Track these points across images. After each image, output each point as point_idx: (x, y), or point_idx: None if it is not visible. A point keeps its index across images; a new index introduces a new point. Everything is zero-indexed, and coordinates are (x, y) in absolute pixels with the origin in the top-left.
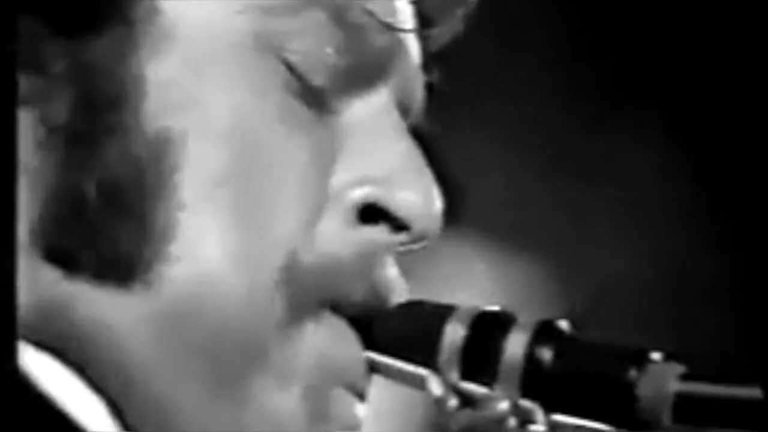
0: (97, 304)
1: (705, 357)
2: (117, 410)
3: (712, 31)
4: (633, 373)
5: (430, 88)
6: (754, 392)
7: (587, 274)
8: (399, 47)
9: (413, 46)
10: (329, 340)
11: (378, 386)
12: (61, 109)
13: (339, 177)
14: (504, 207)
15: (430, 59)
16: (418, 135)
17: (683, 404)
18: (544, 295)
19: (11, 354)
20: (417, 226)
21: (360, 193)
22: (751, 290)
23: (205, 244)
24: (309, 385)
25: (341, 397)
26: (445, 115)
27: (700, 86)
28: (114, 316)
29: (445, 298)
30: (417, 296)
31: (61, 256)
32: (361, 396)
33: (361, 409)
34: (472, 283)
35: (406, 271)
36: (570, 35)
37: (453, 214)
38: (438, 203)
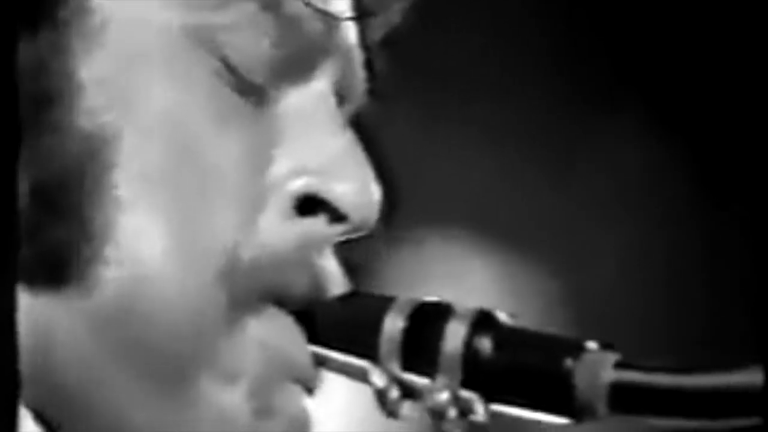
0: (30, 310)
1: (706, 356)
2: (50, 425)
3: (706, 27)
4: (569, 362)
5: (373, 74)
6: (685, 380)
7: (586, 273)
8: (335, 35)
9: (351, 34)
10: (273, 333)
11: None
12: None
13: (277, 168)
14: (501, 207)
15: (374, 48)
16: (359, 124)
17: (618, 393)
18: (543, 294)
19: None
20: (355, 216)
21: (298, 185)
22: (751, 288)
23: (142, 244)
24: (255, 381)
25: (288, 390)
26: (437, 114)
27: (698, 84)
28: (49, 321)
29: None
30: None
31: None
32: (309, 390)
33: (309, 403)
34: (471, 283)
35: (402, 272)
36: (563, 30)
37: (450, 213)
38: (376, 193)
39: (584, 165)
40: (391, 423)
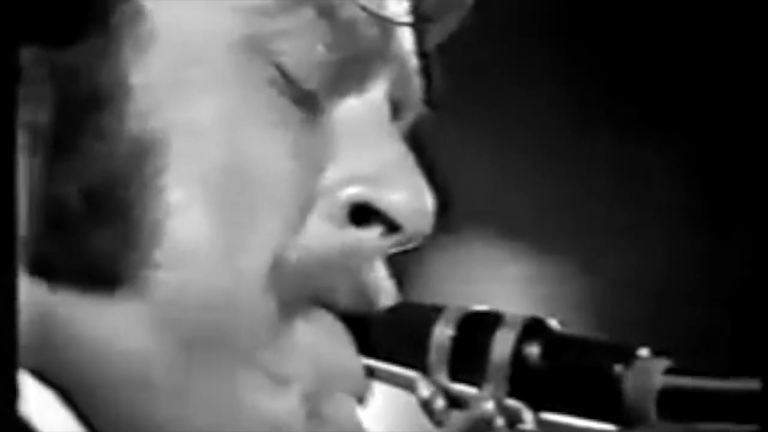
0: (81, 315)
1: (709, 357)
2: (89, 422)
3: (712, 42)
4: (619, 368)
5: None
6: (741, 385)
7: (600, 272)
8: (392, 41)
9: (408, 41)
10: (322, 338)
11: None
12: (43, 115)
13: (329, 176)
14: (530, 214)
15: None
16: (414, 133)
17: (669, 399)
18: (567, 296)
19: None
20: (409, 226)
21: (350, 193)
22: (754, 291)
23: (192, 248)
24: (306, 386)
25: (339, 400)
26: (449, 118)
27: (700, 84)
28: (99, 326)
29: (469, 302)
30: (443, 298)
31: (44, 267)
32: (360, 399)
33: (360, 413)
34: (501, 288)
35: (428, 273)
36: (567, 38)
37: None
38: (430, 203)
39: (598, 170)
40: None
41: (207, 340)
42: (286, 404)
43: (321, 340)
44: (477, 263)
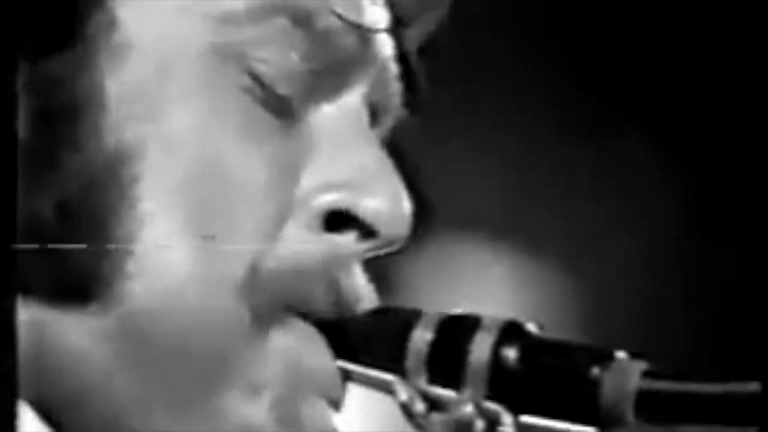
0: (52, 327)
1: (693, 360)
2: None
3: (691, 35)
4: (596, 371)
5: (413, 85)
6: (719, 388)
7: (588, 275)
8: (369, 48)
9: (387, 46)
10: (297, 345)
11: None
12: (19, 128)
13: (305, 183)
14: (520, 217)
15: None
16: (393, 139)
17: (646, 401)
18: (555, 299)
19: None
20: (385, 232)
21: (326, 200)
22: (749, 290)
23: (164, 258)
24: (279, 394)
25: (312, 404)
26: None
27: (684, 86)
28: (70, 337)
29: (452, 304)
30: (430, 301)
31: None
32: (335, 403)
33: (334, 418)
34: (489, 290)
35: (422, 280)
36: (548, 41)
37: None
38: (407, 208)
39: (590, 171)
40: None
41: (179, 350)
42: (258, 410)
43: (296, 345)
44: (459, 266)
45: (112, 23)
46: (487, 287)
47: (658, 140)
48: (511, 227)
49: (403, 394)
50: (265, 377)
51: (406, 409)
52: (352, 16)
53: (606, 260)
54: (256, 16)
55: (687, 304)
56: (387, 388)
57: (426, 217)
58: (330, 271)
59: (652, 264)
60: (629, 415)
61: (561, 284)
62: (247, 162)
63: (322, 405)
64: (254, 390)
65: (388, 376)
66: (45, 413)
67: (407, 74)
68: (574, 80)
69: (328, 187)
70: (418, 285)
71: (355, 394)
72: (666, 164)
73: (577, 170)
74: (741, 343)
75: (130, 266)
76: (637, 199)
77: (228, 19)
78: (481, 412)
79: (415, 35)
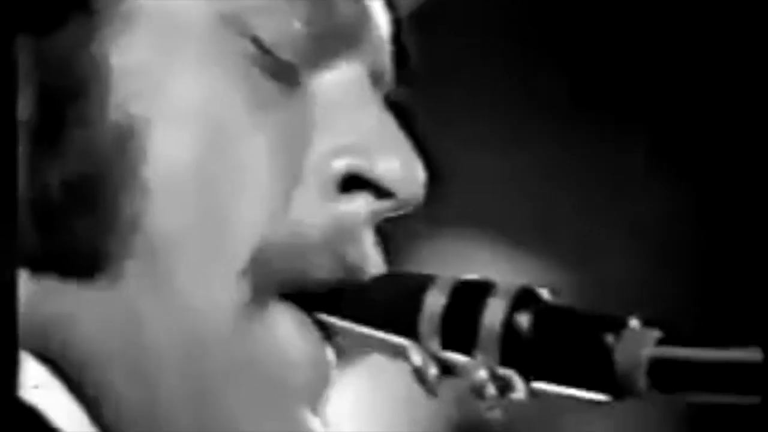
0: (62, 301)
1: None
2: (94, 413)
3: (718, 75)
4: (610, 338)
5: (403, 61)
6: (734, 355)
7: (591, 268)
8: (366, 17)
9: (381, 17)
10: (290, 330)
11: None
12: (25, 105)
13: (316, 149)
14: (509, 204)
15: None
16: (393, 106)
17: (659, 369)
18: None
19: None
20: (401, 192)
21: (341, 164)
22: (743, 293)
23: (170, 234)
24: (268, 380)
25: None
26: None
27: (683, 84)
28: (80, 312)
29: None
30: None
31: (27, 256)
32: (314, 407)
33: (313, 419)
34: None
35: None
36: (553, 40)
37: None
38: (420, 169)
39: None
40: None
41: (179, 328)
42: (245, 395)
43: (288, 331)
44: (458, 266)
45: None
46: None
47: (657, 143)
48: (513, 225)
49: (417, 358)
50: (254, 359)
51: (419, 374)
52: None
53: (608, 261)
54: None
55: (692, 302)
56: (400, 353)
57: (436, 184)
58: (340, 238)
59: (658, 262)
60: (642, 383)
61: (561, 276)
62: (255, 132)
63: (306, 409)
64: (242, 372)
65: (401, 340)
66: (68, 385)
67: (398, 45)
68: (578, 75)
69: (339, 152)
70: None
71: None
72: (668, 161)
73: (585, 167)
74: (743, 340)
75: (136, 242)
76: (636, 201)
77: None
78: (494, 377)
79: (406, 2)
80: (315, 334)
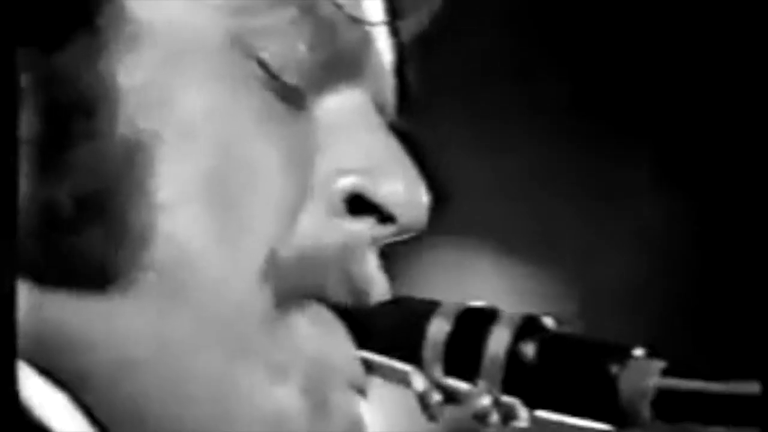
0: (71, 313)
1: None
2: (100, 424)
3: (721, 87)
4: (614, 368)
5: (406, 88)
6: (737, 388)
7: (590, 278)
8: (369, 44)
9: (384, 45)
10: (320, 332)
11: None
12: (32, 121)
13: (322, 168)
14: (505, 212)
15: (405, 58)
16: (398, 133)
17: (664, 400)
18: (547, 300)
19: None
20: (403, 217)
21: (346, 183)
22: (755, 297)
23: (183, 247)
24: (306, 380)
25: (341, 392)
26: (437, 120)
27: (679, 93)
28: (89, 324)
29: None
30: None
31: (34, 268)
32: (362, 391)
33: (362, 407)
34: (478, 287)
35: (410, 277)
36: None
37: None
38: (424, 194)
39: (588, 175)
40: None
41: (199, 337)
42: (286, 393)
43: (318, 333)
44: (456, 273)
45: (122, 13)
46: (483, 290)
47: (658, 152)
48: (513, 236)
49: (420, 384)
50: (289, 362)
51: (422, 400)
52: (351, 8)
53: (605, 269)
54: (265, 5)
55: (688, 313)
56: (403, 379)
57: (440, 209)
58: (346, 258)
59: (654, 273)
60: (646, 413)
61: (560, 286)
62: (262, 147)
63: (350, 393)
64: (280, 373)
65: (404, 367)
66: (72, 395)
67: (401, 73)
68: (574, 84)
69: (344, 172)
70: (412, 284)
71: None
72: (666, 176)
73: (582, 177)
74: (742, 348)
75: (148, 256)
76: (634, 208)
77: (238, 9)
78: (497, 405)
79: (409, 27)
80: (345, 335)
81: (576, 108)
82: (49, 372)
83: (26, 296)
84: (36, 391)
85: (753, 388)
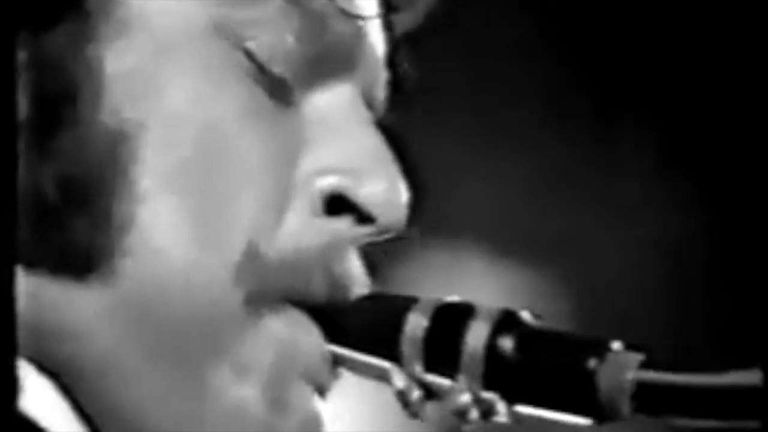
0: (54, 299)
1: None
2: (79, 406)
3: (723, 73)
4: (593, 362)
5: (398, 83)
6: (715, 380)
7: (584, 278)
8: (361, 38)
9: (377, 39)
10: (289, 331)
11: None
12: (21, 104)
13: (304, 166)
14: (500, 212)
15: (398, 52)
16: (384, 130)
17: (642, 393)
18: (542, 300)
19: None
20: (382, 218)
21: (326, 183)
22: (753, 296)
23: (163, 236)
24: (269, 377)
25: (301, 389)
26: (436, 119)
27: (682, 83)
28: (71, 310)
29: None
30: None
31: (22, 254)
32: (321, 390)
33: (320, 403)
34: (472, 288)
35: (404, 278)
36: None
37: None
38: (404, 196)
39: (587, 170)
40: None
41: (172, 329)
42: (248, 391)
43: (288, 331)
44: (450, 269)
45: (110, 1)
46: (478, 290)
47: (655, 138)
48: (505, 233)
49: (399, 381)
50: (255, 360)
51: (402, 397)
52: (343, 1)
53: (603, 261)
54: None
55: (683, 305)
56: (383, 376)
57: (419, 210)
58: (327, 257)
59: (648, 269)
60: (625, 406)
61: (554, 287)
62: (247, 142)
63: (309, 390)
64: (244, 371)
65: (383, 363)
66: (54, 380)
67: (394, 67)
68: (574, 78)
69: (327, 171)
70: (405, 284)
71: (346, 383)
72: (664, 162)
73: (575, 170)
74: (738, 340)
75: (127, 243)
76: (634, 198)
77: None
78: (477, 400)
79: (403, 21)
80: (316, 333)
81: (577, 105)
82: (39, 360)
83: (21, 283)
84: (27, 382)
85: (734, 379)
